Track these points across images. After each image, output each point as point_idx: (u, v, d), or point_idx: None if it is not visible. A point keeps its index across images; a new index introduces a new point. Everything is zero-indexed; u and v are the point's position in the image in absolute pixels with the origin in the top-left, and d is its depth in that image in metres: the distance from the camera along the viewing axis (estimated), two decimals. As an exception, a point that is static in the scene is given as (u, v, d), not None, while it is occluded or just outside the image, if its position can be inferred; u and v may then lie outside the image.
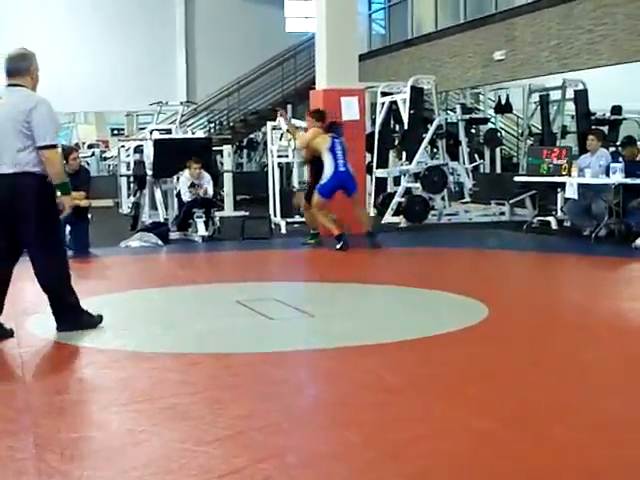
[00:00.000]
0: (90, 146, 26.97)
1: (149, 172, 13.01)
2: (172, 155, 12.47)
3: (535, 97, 16.37)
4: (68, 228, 10.11)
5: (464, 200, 14.74)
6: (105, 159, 25.30)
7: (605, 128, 15.24)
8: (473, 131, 17.29)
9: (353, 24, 12.88)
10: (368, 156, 14.58)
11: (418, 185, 13.80)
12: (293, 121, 13.68)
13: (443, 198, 14.31)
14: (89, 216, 10.72)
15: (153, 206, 13.25)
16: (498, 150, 17.81)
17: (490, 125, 18.31)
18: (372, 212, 14.79)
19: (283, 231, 12.94)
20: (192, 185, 12.11)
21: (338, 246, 10.42)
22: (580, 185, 11.24)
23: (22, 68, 5.74)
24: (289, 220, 13.45)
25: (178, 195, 12.52)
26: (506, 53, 17.90)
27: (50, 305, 5.85)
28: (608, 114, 16.19)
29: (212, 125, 24.33)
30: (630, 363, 5.03)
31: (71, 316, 5.86)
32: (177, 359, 5.29)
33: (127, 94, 23.81)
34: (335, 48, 12.41)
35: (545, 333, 5.90)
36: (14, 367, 5.26)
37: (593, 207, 11.26)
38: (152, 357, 5.30)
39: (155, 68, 24.80)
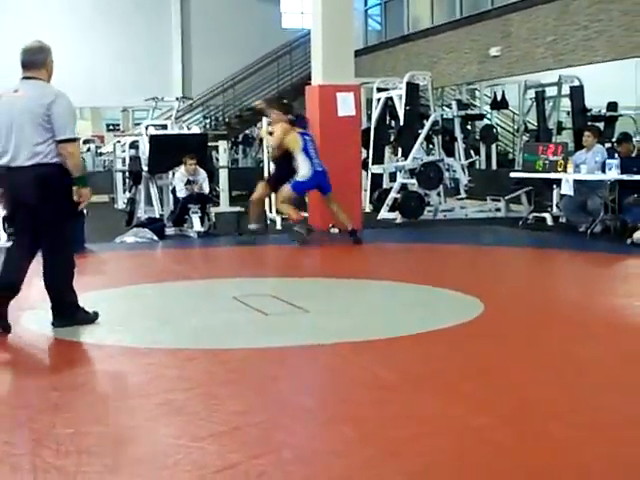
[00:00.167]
0: (86, 141, 26.91)
1: (145, 168, 12.97)
2: (168, 151, 12.43)
3: (531, 93, 16.37)
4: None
5: (460, 196, 14.72)
6: (101, 154, 25.28)
7: (601, 124, 15.24)
8: (469, 127, 17.31)
9: (349, 20, 12.86)
10: (364, 152, 14.58)
11: (414, 181, 13.79)
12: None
13: (439, 194, 14.30)
14: (84, 212, 10.67)
15: (149, 202, 13.22)
16: (494, 146, 17.80)
17: (486, 121, 18.32)
18: (368, 208, 14.80)
19: (278, 227, 12.92)
20: (188, 182, 12.10)
21: (296, 231, 10.76)
22: (576, 181, 11.25)
23: (38, 61, 5.71)
24: (284, 216, 13.39)
25: (173, 191, 12.49)
26: (502, 49, 17.92)
27: (51, 302, 5.83)
28: (604, 110, 16.21)
29: (208, 121, 24.31)
30: (627, 360, 5.02)
31: (68, 313, 5.85)
32: (173, 354, 5.27)
33: (123, 90, 23.77)
34: (331, 44, 12.38)
35: (541, 329, 5.90)
36: (10, 363, 5.24)
37: (589, 203, 11.27)
38: (148, 353, 5.29)
39: (151, 63, 24.79)
